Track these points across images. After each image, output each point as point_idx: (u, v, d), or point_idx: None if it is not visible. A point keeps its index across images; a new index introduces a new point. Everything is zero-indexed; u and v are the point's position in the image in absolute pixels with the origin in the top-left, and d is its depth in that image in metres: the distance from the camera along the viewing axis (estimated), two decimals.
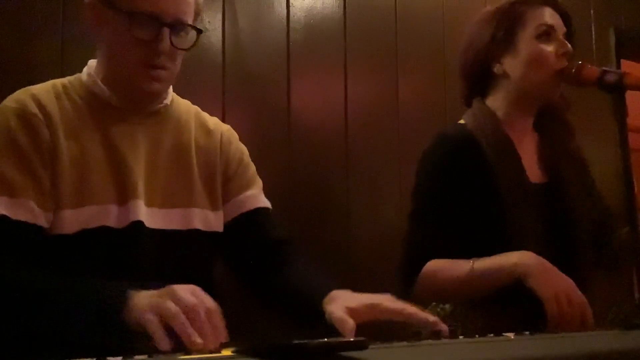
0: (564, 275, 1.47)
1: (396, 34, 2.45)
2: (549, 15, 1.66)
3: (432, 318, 1.12)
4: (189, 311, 0.97)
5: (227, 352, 0.87)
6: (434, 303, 1.60)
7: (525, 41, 1.64)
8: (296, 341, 0.75)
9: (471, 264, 1.51)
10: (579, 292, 1.45)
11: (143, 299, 1.03)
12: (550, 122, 1.73)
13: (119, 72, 1.30)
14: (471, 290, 1.53)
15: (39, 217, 1.21)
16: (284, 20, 2.24)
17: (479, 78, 1.70)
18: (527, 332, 1.14)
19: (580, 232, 1.65)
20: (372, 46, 2.40)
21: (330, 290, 1.22)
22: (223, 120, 1.52)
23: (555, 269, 1.47)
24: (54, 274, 1.16)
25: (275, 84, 2.21)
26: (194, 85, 2.04)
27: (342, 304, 1.16)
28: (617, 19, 2.96)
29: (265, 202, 1.45)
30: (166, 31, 1.25)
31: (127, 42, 1.25)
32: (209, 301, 1.01)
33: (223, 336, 0.99)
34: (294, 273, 1.36)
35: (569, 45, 1.63)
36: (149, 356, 0.86)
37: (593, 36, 2.87)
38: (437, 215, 1.60)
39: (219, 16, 2.12)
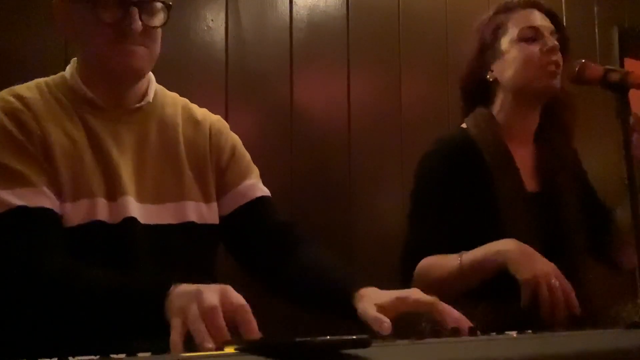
0: (546, 260, 1.47)
1: (399, 33, 2.45)
2: (532, 18, 1.69)
3: (458, 315, 1.14)
4: (208, 313, 0.96)
5: (229, 350, 0.87)
6: None
7: (510, 45, 1.68)
8: (298, 339, 0.75)
9: (459, 257, 1.53)
10: (563, 278, 1.44)
11: (177, 300, 1.02)
12: (549, 129, 1.74)
13: (95, 59, 1.28)
14: (462, 283, 1.54)
15: (55, 204, 1.20)
16: (287, 19, 2.24)
17: (477, 88, 1.74)
18: (529, 331, 1.14)
19: (574, 240, 1.66)
20: (375, 45, 2.40)
21: (358, 286, 1.21)
22: (226, 118, 1.51)
23: (537, 254, 1.47)
24: (90, 265, 1.16)
25: (278, 82, 2.21)
26: (197, 83, 2.04)
27: (371, 301, 1.16)
28: (620, 17, 2.96)
29: (264, 190, 1.43)
30: (135, 10, 1.24)
31: (96, 28, 1.24)
32: (238, 302, 1.00)
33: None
34: (312, 262, 1.35)
35: (554, 41, 1.66)
36: (152, 354, 0.87)
37: (596, 34, 2.87)
38: (433, 218, 1.62)
39: (222, 14, 2.12)
